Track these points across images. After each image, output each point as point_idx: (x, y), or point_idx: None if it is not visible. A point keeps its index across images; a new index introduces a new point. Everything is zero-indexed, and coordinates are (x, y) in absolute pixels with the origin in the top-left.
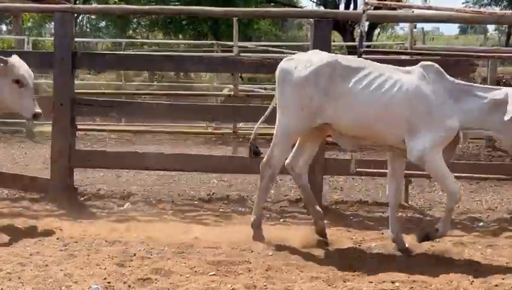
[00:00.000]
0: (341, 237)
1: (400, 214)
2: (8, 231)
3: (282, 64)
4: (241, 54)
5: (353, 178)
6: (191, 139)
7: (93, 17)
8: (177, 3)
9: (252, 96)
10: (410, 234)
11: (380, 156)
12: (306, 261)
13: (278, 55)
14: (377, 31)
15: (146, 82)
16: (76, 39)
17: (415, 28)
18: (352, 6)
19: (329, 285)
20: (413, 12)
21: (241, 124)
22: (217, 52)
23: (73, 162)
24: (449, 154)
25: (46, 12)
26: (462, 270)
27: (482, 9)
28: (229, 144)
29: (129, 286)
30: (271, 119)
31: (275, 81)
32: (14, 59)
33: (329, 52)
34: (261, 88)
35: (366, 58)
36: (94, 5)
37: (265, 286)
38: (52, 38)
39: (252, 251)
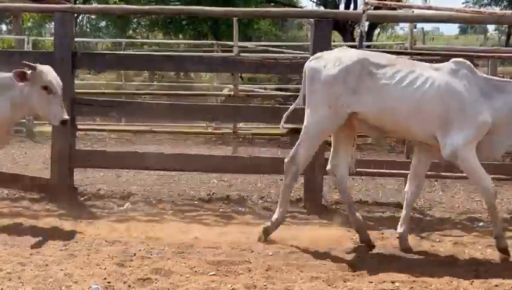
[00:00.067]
0: (341, 237)
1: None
2: (8, 231)
3: (310, 64)
4: (241, 54)
5: (353, 178)
6: (191, 139)
7: (93, 17)
8: (177, 3)
9: (252, 96)
10: (410, 234)
11: (380, 156)
12: (306, 261)
13: (278, 55)
14: (377, 31)
15: (146, 82)
16: (76, 39)
17: (415, 28)
18: (352, 6)
19: (329, 285)
20: (413, 12)
21: (241, 124)
22: (217, 52)
23: (73, 162)
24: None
25: (46, 12)
26: (462, 270)
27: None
28: (229, 144)
29: (129, 286)
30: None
31: (274, 81)
32: (43, 66)
33: None
34: (261, 88)
35: None
36: (94, 5)
37: (265, 286)
38: (52, 38)
39: (252, 251)
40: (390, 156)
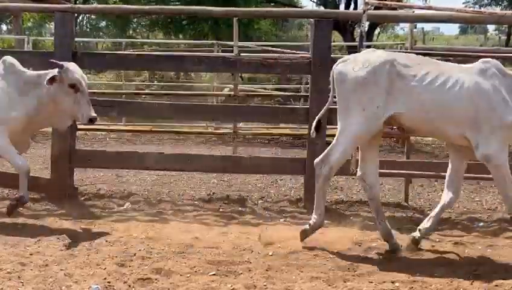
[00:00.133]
0: (341, 237)
1: (399, 214)
2: (8, 231)
3: (338, 67)
4: (241, 54)
5: (353, 178)
6: (191, 139)
7: (93, 17)
8: (177, 3)
9: (252, 96)
10: (410, 234)
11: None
12: (306, 261)
13: (278, 55)
14: (377, 31)
15: (146, 82)
16: (76, 39)
17: (415, 28)
18: (352, 6)
19: (329, 285)
20: (413, 12)
21: (241, 124)
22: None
23: (74, 162)
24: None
25: (46, 12)
26: (462, 271)
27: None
28: (229, 144)
29: (129, 286)
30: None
31: (274, 81)
32: (70, 64)
33: (329, 52)
34: (261, 88)
35: None
36: (94, 5)
37: (265, 286)
38: (52, 38)
39: (252, 251)
40: (390, 156)
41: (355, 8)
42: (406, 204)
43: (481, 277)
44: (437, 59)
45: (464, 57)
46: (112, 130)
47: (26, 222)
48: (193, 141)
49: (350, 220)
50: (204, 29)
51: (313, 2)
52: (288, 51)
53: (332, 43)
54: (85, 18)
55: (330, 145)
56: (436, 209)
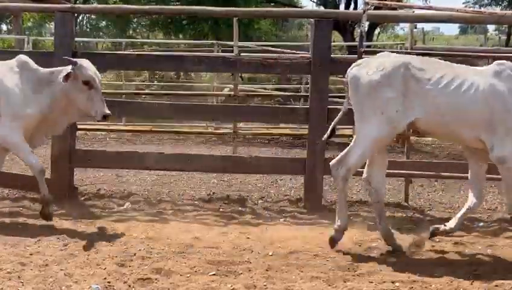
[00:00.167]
0: None
1: (399, 214)
2: (8, 231)
3: (353, 71)
4: (241, 54)
5: (353, 178)
6: (191, 139)
7: (93, 17)
8: (177, 3)
9: (252, 96)
10: (410, 234)
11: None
12: (306, 261)
13: (278, 55)
14: (377, 31)
15: (146, 82)
16: (76, 39)
17: (415, 28)
18: (352, 6)
19: (329, 285)
20: (413, 12)
21: (241, 124)
22: (217, 52)
23: (74, 162)
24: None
25: (47, 12)
26: (462, 271)
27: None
28: (229, 144)
29: (129, 286)
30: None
31: (274, 81)
32: (83, 61)
33: (329, 52)
34: (261, 88)
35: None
36: (94, 5)
37: (265, 286)
38: (52, 38)
39: (252, 251)
40: (390, 156)
41: (355, 8)
42: (406, 204)
43: (481, 277)
44: (438, 59)
45: (464, 57)
46: (111, 130)
47: (26, 221)
48: (193, 141)
49: (350, 220)
50: (204, 29)
51: (313, 2)
52: (288, 51)
53: (332, 43)
54: (85, 18)
55: (348, 147)
56: (462, 211)
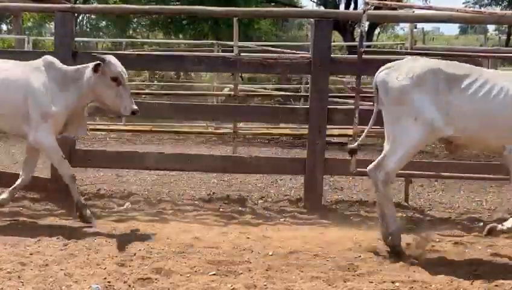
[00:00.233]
0: (341, 237)
1: (400, 214)
2: (8, 231)
3: (382, 76)
4: (241, 54)
5: (353, 178)
6: (191, 139)
7: (93, 16)
8: (177, 3)
9: (252, 96)
10: (409, 234)
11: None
12: (306, 261)
13: (278, 55)
14: (377, 31)
15: (146, 82)
16: (76, 39)
17: (415, 28)
18: (352, 6)
19: (329, 285)
20: (413, 12)
21: (241, 124)
22: (217, 52)
23: (74, 162)
24: None
25: (47, 12)
26: (462, 271)
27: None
28: (229, 144)
29: (129, 286)
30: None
31: (274, 81)
32: (111, 57)
33: (329, 52)
34: (261, 88)
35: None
36: (94, 5)
37: (265, 286)
38: (53, 38)
39: (252, 251)
40: None
41: (355, 8)
42: (406, 204)
43: (481, 277)
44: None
45: (464, 57)
46: (111, 130)
47: (26, 221)
48: (193, 141)
49: (350, 220)
50: (204, 29)
51: (313, 2)
52: (288, 51)
53: (332, 43)
54: (85, 18)
55: (384, 152)
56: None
